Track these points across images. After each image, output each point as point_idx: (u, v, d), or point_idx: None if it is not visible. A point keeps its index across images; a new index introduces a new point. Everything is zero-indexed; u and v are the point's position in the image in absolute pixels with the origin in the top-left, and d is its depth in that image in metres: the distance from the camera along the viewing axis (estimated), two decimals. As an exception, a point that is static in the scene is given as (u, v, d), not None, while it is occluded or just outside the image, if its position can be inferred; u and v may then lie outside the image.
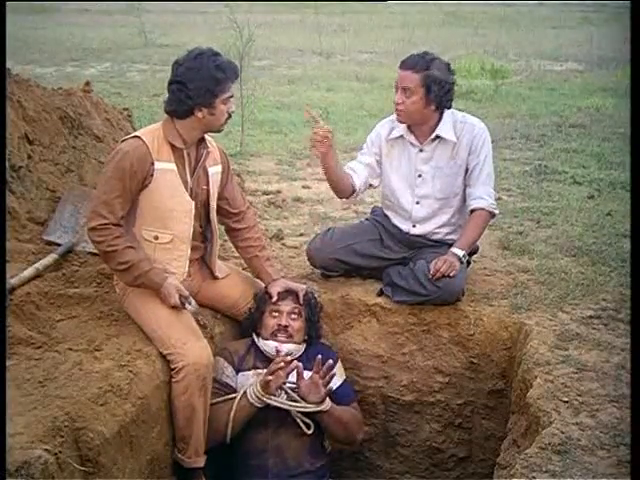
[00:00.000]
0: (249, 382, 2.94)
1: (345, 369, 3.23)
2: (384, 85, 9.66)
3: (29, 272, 3.03)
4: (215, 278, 3.09)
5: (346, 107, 8.60)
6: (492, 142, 3.30)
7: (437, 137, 3.23)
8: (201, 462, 2.80)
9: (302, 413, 2.91)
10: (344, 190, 3.35)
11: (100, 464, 2.31)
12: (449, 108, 3.21)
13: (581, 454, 2.22)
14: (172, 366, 2.70)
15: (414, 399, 3.43)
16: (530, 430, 2.55)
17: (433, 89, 3.08)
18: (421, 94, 3.09)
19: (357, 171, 3.35)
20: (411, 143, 3.29)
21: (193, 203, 2.84)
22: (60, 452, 2.15)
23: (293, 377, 2.88)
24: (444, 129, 3.21)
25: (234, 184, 3.13)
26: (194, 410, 2.71)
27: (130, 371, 2.57)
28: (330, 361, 2.86)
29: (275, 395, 2.85)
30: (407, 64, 3.12)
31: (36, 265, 3.10)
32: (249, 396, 2.85)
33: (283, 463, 2.90)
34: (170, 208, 2.79)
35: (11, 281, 2.89)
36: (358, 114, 8.15)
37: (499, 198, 4.79)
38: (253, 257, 3.15)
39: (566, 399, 2.51)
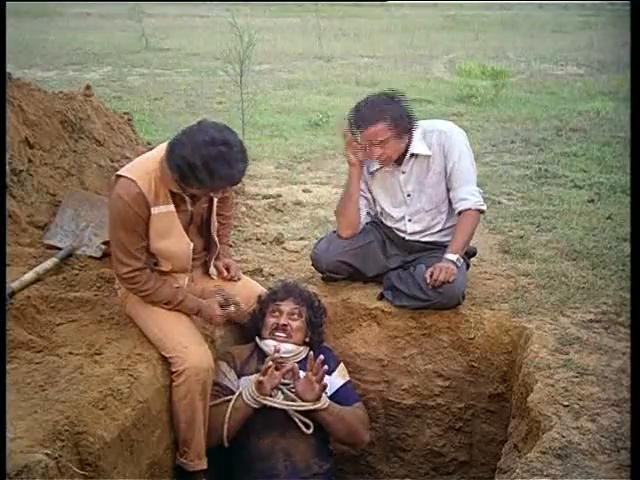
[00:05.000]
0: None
1: (345, 373, 3.23)
2: (384, 89, 9.64)
3: (29, 276, 3.04)
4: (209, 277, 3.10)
5: (347, 111, 8.58)
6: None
7: (412, 155, 3.25)
8: (203, 464, 2.81)
9: (300, 413, 2.90)
10: (355, 226, 3.38)
11: (100, 468, 2.31)
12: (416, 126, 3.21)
13: (582, 458, 2.22)
14: (173, 370, 2.71)
15: (415, 403, 3.43)
16: (531, 434, 2.55)
17: (401, 123, 3.11)
18: (394, 135, 3.11)
19: (360, 205, 3.39)
20: (392, 170, 3.31)
21: (192, 245, 2.83)
22: (60, 456, 2.14)
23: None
24: (417, 145, 3.24)
25: None
26: (195, 414, 2.72)
27: (130, 375, 2.57)
28: (321, 356, 2.86)
29: (271, 396, 2.85)
30: (366, 119, 3.10)
31: (36, 269, 3.11)
32: (244, 397, 2.85)
33: (292, 466, 2.89)
34: (168, 248, 2.78)
35: (11, 285, 2.89)
36: (358, 118, 8.14)
37: (499, 202, 4.81)
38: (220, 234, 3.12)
39: (567, 403, 2.51)
